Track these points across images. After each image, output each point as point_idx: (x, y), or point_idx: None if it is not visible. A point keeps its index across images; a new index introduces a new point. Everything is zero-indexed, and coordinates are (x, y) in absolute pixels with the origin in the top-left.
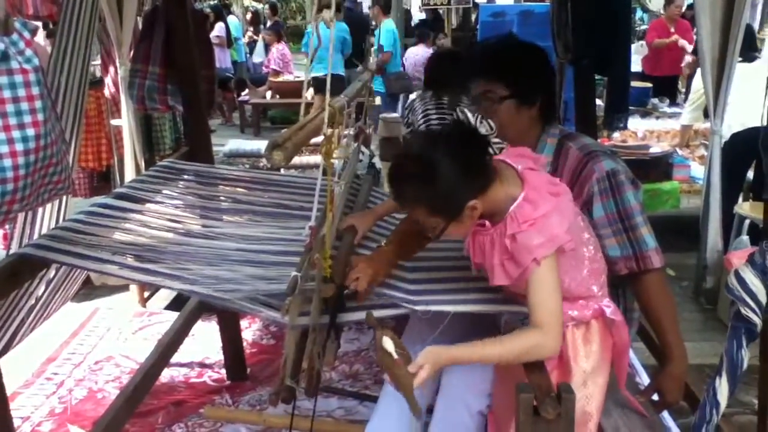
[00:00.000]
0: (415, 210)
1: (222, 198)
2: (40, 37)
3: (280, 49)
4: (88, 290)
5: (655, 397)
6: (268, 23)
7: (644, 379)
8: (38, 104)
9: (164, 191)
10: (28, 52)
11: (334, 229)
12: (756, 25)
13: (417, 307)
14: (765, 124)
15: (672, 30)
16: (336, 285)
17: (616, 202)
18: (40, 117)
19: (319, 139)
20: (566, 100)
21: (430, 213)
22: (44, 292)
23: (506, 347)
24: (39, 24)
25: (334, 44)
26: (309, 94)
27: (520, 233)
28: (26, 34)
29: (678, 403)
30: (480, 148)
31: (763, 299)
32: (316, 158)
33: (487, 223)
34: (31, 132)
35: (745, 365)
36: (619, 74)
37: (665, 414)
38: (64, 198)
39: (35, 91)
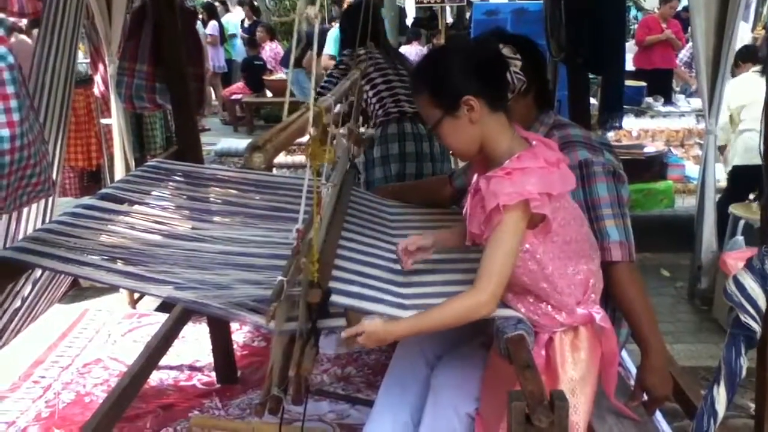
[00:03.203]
0: (421, 99)
1: (211, 199)
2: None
3: (273, 47)
4: (77, 291)
5: (646, 397)
6: (246, 23)
7: None
8: (13, 103)
9: (152, 192)
10: (2, 49)
11: (322, 232)
12: (749, 25)
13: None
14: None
15: (664, 26)
16: (322, 290)
17: (584, 191)
18: (15, 117)
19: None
20: (560, 99)
21: (430, 100)
22: (30, 293)
23: (445, 313)
24: (17, 20)
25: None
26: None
27: (494, 177)
28: (0, 32)
29: (667, 397)
30: (496, 58)
31: (762, 305)
32: None
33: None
34: (5, 132)
35: (743, 373)
36: (613, 73)
37: (660, 417)
38: (50, 198)
39: (10, 90)
